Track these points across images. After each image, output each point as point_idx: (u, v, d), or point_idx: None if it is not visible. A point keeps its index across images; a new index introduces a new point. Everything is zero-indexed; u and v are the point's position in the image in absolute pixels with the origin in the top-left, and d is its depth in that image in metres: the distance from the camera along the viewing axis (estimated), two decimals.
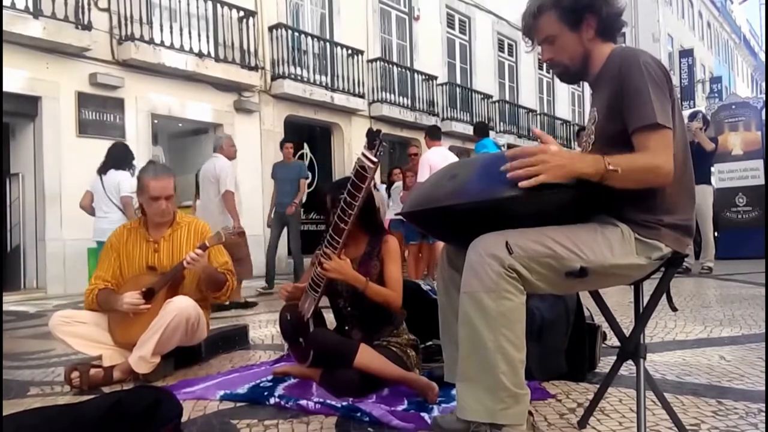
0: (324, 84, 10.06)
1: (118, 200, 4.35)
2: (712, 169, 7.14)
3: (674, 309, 1.50)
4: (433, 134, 5.96)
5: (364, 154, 1.69)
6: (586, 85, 1.55)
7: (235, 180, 4.80)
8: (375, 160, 1.68)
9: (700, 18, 29.59)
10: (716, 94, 21.79)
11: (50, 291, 6.62)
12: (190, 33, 8.07)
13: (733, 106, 8.74)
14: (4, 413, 1.35)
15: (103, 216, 4.39)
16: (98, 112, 7.38)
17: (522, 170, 1.23)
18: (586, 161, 1.28)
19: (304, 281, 2.16)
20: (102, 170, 4.36)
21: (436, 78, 12.37)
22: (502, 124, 14.24)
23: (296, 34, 9.74)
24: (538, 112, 16.08)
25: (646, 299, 1.43)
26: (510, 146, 9.69)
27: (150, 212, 2.57)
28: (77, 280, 6.10)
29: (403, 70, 11.88)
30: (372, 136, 1.67)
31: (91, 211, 4.50)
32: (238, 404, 1.96)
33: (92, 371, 2.28)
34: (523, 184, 1.22)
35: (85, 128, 7.23)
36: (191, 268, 2.40)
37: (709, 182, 6.20)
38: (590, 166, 1.26)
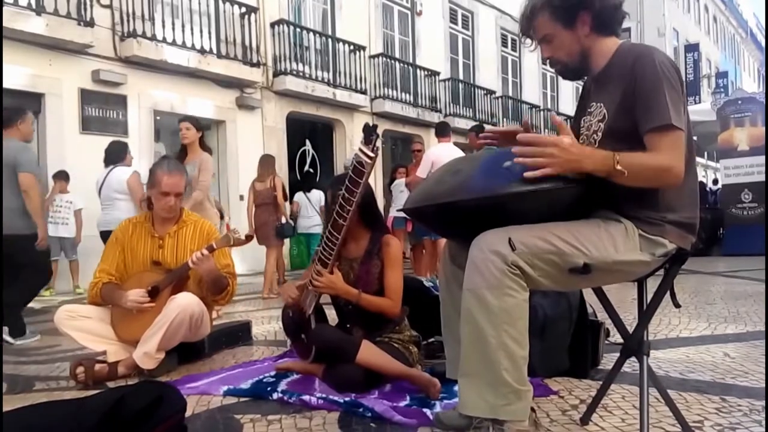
0: (326, 80, 10.03)
1: (319, 209, 6.72)
2: (718, 165, 7.09)
3: (677, 305, 1.49)
4: (442, 131, 5.89)
5: (361, 149, 1.69)
6: None
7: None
8: (372, 154, 1.68)
9: (706, 12, 29.31)
10: (722, 89, 21.58)
11: (56, 287, 6.64)
12: (192, 29, 8.06)
13: (739, 102, 8.63)
14: (10, 408, 1.36)
15: (308, 217, 6.88)
16: (101, 108, 7.38)
17: (530, 160, 1.24)
18: (596, 159, 1.27)
19: (305, 278, 2.16)
20: (307, 189, 7.11)
21: (438, 74, 12.32)
22: (505, 120, 14.17)
23: (298, 30, 9.72)
24: (541, 107, 15.98)
25: (649, 296, 1.43)
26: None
27: (157, 207, 2.58)
28: (83, 276, 6.12)
29: (406, 65, 11.83)
30: (368, 131, 1.67)
31: (298, 214, 6.96)
32: (242, 399, 1.97)
33: (97, 367, 2.30)
34: (527, 174, 1.23)
35: (88, 125, 7.24)
36: (196, 268, 2.40)
37: None
38: (599, 164, 1.27)
